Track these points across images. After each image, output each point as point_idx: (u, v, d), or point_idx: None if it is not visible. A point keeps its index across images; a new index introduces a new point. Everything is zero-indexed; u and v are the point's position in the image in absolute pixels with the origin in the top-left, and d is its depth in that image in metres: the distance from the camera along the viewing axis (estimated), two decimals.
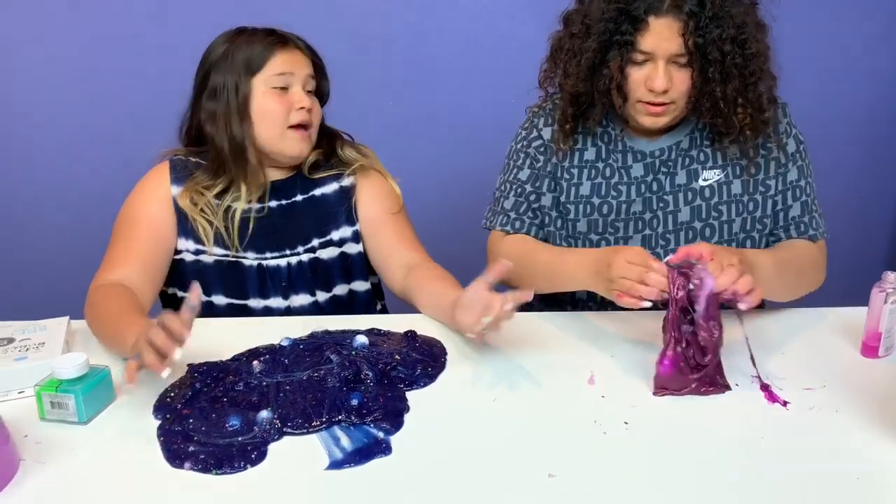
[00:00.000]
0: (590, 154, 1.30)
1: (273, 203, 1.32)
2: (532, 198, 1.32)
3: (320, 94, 1.34)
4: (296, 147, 1.28)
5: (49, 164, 2.24)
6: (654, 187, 1.27)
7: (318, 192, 1.34)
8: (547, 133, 1.32)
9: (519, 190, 1.33)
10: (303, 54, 1.29)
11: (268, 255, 1.31)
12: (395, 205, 1.37)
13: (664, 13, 1.12)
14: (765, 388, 1.00)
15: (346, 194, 1.35)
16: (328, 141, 1.36)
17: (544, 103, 1.35)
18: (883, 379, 1.03)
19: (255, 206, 1.30)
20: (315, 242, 1.33)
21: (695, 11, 1.11)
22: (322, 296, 1.34)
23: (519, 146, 1.35)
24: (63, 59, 2.14)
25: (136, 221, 1.27)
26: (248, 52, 1.25)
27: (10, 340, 1.10)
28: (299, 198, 1.33)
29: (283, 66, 1.26)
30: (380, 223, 1.35)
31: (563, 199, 1.30)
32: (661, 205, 1.27)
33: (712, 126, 1.24)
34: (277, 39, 1.27)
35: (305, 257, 1.32)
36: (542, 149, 1.32)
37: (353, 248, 1.35)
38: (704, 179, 1.26)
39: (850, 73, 2.27)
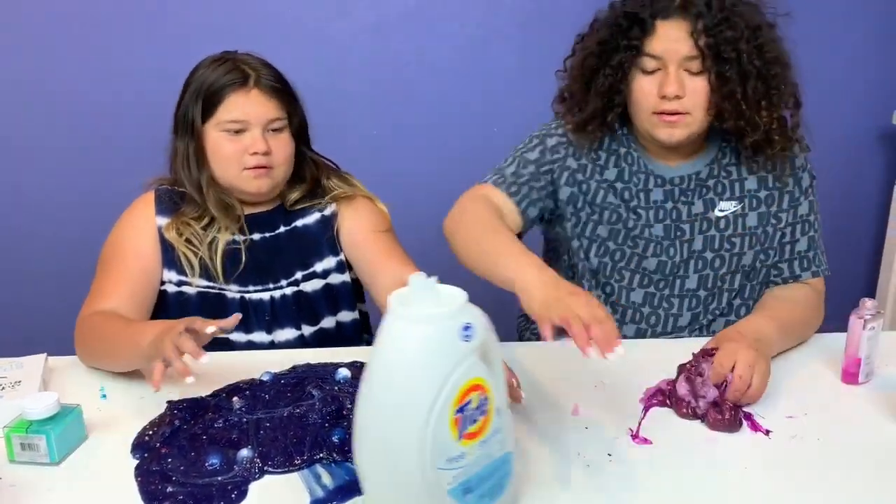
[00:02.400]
0: (610, 174, 1.28)
1: (256, 236, 1.30)
2: (534, 176, 1.27)
3: (296, 126, 1.29)
4: (253, 185, 1.25)
5: (29, 197, 2.22)
6: (674, 215, 1.26)
7: (300, 223, 1.32)
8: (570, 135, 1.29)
9: (522, 163, 1.28)
10: (262, 95, 1.22)
11: (251, 288, 1.29)
12: (382, 224, 1.35)
13: (672, 15, 1.13)
14: (747, 416, 1.00)
15: (328, 223, 1.33)
16: (312, 172, 1.33)
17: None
18: (864, 405, 1.04)
19: (239, 237, 1.29)
20: (298, 275, 1.32)
21: (703, 13, 1.12)
22: (308, 329, 1.32)
23: (535, 132, 1.32)
24: (44, 89, 2.14)
25: (122, 253, 1.26)
26: (206, 88, 1.22)
27: None
28: (282, 230, 1.32)
29: (235, 113, 1.21)
30: (366, 241, 1.32)
31: (579, 205, 1.28)
32: (678, 233, 1.26)
33: (739, 134, 1.20)
34: (235, 79, 1.21)
35: (289, 290, 1.31)
36: (564, 140, 1.28)
37: (337, 279, 1.34)
38: (721, 210, 1.25)
39: (825, 97, 2.30)
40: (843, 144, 2.36)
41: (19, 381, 1.07)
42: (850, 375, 1.09)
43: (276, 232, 1.32)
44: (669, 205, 1.27)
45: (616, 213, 1.27)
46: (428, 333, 0.72)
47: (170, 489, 0.87)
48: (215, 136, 1.23)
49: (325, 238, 1.33)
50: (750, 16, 1.15)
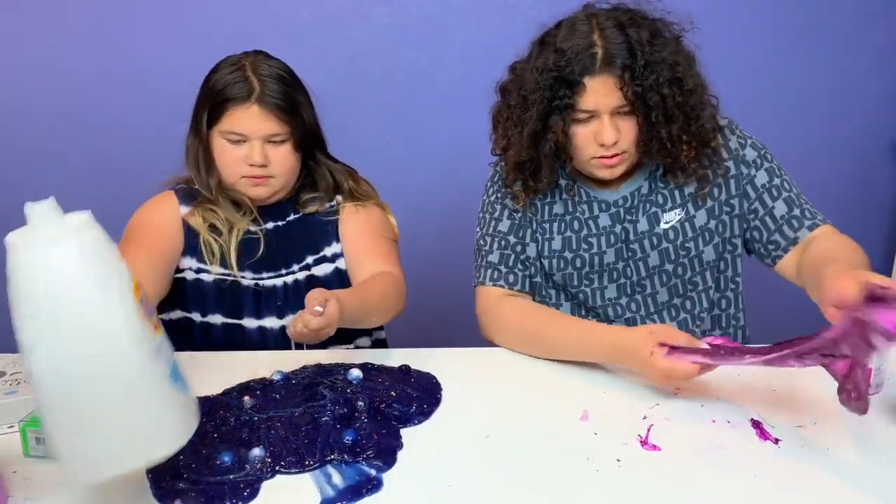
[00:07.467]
0: (558, 208, 1.30)
1: (270, 225, 1.34)
2: (518, 249, 1.31)
3: (298, 138, 1.28)
4: (251, 192, 1.30)
5: (44, 190, 2.24)
6: (623, 236, 1.27)
7: (309, 209, 1.37)
8: (518, 185, 1.31)
9: (503, 242, 1.31)
10: (262, 111, 1.23)
11: (264, 275, 1.33)
12: (381, 226, 1.38)
13: (598, 72, 1.12)
14: (756, 425, 1.00)
15: (334, 213, 1.37)
16: (325, 179, 1.37)
17: None
18: (873, 416, 1.03)
19: (255, 227, 1.32)
20: (310, 259, 1.35)
21: (627, 64, 1.12)
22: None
23: (493, 198, 1.34)
24: (64, 88, 2.16)
25: (146, 226, 1.29)
26: (213, 95, 1.25)
27: (2, 374, 1.10)
28: (292, 217, 1.36)
29: (235, 125, 1.24)
30: (360, 235, 1.35)
31: (539, 251, 1.31)
32: (630, 253, 1.27)
33: (663, 167, 1.24)
34: (239, 93, 1.23)
35: (301, 275, 1.34)
36: (516, 196, 1.31)
37: (343, 264, 1.37)
38: (666, 222, 1.25)
39: (837, 108, 2.31)
40: (855, 154, 2.36)
41: None
42: None
43: (287, 220, 1.35)
44: (618, 228, 1.27)
45: (562, 258, 1.29)
46: (82, 246, 0.71)
47: (181, 486, 0.88)
48: (219, 142, 1.27)
49: (331, 225, 1.36)
50: (668, 51, 1.15)
